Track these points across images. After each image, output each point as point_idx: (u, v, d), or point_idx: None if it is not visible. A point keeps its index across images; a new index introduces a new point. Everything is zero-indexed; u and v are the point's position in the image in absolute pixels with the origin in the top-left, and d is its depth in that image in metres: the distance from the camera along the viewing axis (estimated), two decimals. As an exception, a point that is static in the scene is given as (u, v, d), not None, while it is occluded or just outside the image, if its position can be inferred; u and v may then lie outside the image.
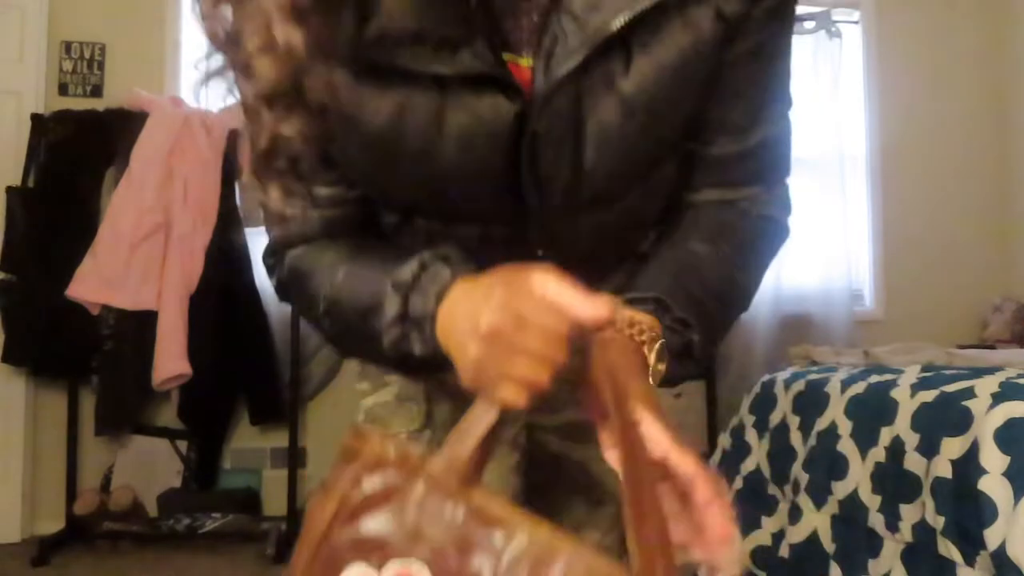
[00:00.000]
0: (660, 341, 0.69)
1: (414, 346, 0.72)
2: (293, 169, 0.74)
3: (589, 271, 0.92)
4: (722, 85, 0.77)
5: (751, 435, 2.28)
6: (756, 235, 0.85)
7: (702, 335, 0.75)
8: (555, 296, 0.60)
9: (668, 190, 0.86)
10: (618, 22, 0.68)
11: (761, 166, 0.84)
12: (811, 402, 2.06)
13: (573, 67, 0.70)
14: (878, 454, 1.75)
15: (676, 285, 0.77)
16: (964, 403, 1.56)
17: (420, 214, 0.81)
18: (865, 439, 1.80)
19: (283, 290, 0.87)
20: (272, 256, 0.86)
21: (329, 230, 0.81)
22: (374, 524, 0.56)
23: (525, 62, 0.73)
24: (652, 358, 0.68)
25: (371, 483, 0.58)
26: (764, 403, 2.28)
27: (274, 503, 3.32)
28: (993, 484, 1.42)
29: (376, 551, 0.54)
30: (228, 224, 3.11)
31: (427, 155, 0.73)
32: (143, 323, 2.99)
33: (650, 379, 0.68)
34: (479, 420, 0.60)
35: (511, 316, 0.59)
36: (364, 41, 0.67)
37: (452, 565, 0.52)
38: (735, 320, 0.85)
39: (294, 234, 0.82)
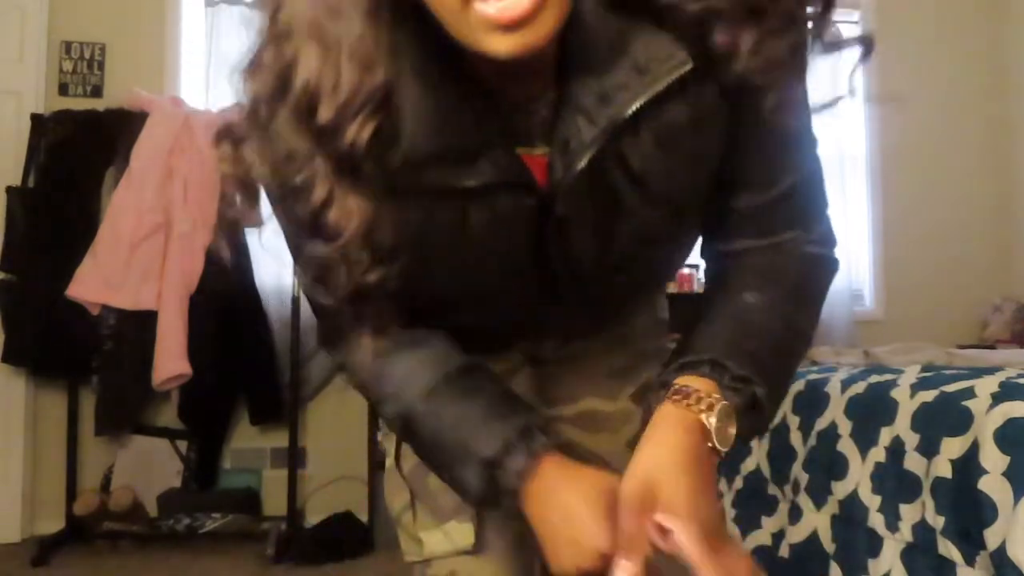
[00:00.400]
0: (721, 404, 0.74)
1: (494, 505, 0.82)
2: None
3: (612, 312, 0.96)
4: (739, 146, 0.78)
5: (751, 435, 2.28)
6: (805, 275, 0.85)
7: (766, 386, 0.77)
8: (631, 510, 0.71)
9: (694, 241, 0.87)
10: (630, 110, 0.70)
11: (794, 211, 0.83)
12: (811, 402, 2.06)
13: (590, 158, 0.72)
14: (878, 454, 1.75)
15: (731, 343, 0.78)
16: (964, 403, 1.56)
17: (453, 301, 0.84)
18: (865, 439, 1.80)
19: (345, 374, 0.92)
20: (326, 344, 0.89)
21: (379, 324, 0.82)
22: None
23: (539, 151, 0.76)
24: (712, 422, 0.73)
25: None
26: (764, 403, 2.27)
27: (274, 503, 3.32)
28: (993, 484, 1.42)
29: None
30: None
31: (454, 251, 0.76)
32: (143, 323, 2.99)
33: (719, 447, 0.74)
34: None
35: (599, 562, 0.73)
36: (389, 167, 0.69)
37: None
38: (798, 362, 0.85)
39: (344, 326, 0.85)
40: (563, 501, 0.76)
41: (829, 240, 0.86)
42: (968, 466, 1.48)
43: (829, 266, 0.87)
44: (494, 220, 0.74)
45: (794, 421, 2.11)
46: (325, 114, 0.64)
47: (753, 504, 2.20)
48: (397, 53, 0.66)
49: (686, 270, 3.49)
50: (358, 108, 0.64)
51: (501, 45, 0.62)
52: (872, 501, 1.74)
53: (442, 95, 0.69)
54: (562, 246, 0.79)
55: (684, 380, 0.76)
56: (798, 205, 0.83)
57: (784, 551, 2.03)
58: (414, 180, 0.70)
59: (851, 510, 1.80)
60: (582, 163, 0.72)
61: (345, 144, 0.65)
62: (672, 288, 2.84)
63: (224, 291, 3.09)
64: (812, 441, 1.99)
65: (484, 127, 0.72)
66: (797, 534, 1.98)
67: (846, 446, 1.86)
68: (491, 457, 0.78)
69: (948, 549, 1.51)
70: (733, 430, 0.75)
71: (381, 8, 0.64)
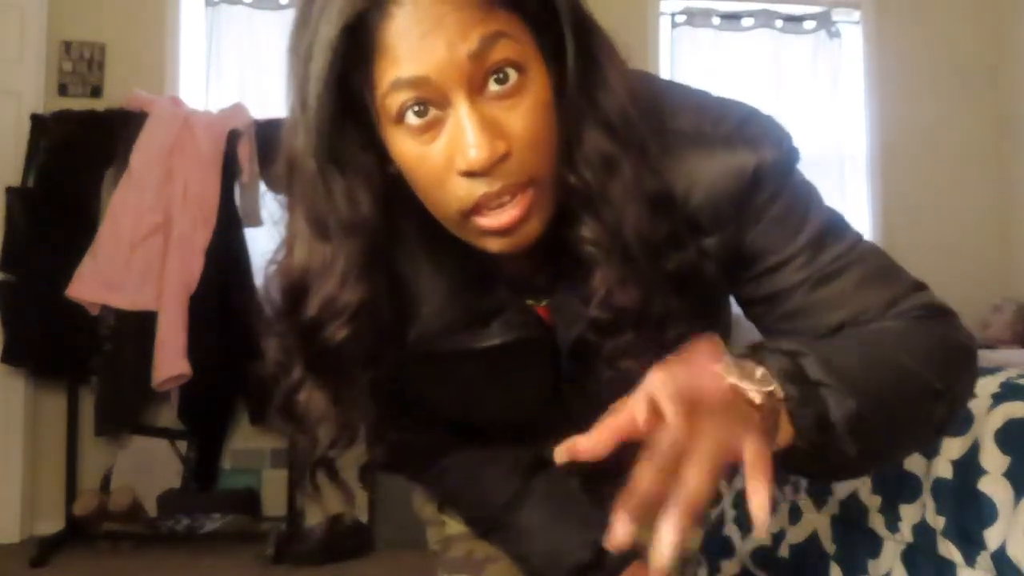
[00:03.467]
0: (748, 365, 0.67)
1: None
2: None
3: None
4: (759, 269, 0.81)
5: (751, 435, 2.28)
6: (902, 327, 0.79)
7: (837, 392, 0.68)
8: None
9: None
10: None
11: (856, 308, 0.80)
12: (811, 402, 2.06)
13: (583, 328, 0.79)
14: (878, 454, 1.75)
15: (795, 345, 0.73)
16: (964, 403, 1.56)
17: (489, 427, 0.96)
18: (865, 439, 1.80)
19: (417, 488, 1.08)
20: (392, 471, 1.06)
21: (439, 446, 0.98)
22: None
23: (544, 302, 0.85)
24: (741, 377, 0.65)
25: None
26: (764, 403, 2.27)
27: (274, 503, 3.32)
28: (993, 484, 1.42)
29: None
30: (228, 224, 3.11)
31: (487, 391, 0.88)
32: (143, 323, 2.99)
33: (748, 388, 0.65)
34: None
35: None
36: (409, 343, 0.82)
37: None
38: (905, 406, 0.74)
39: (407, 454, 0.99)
40: None
41: (933, 308, 0.83)
42: (968, 466, 1.48)
43: (943, 315, 0.83)
44: (517, 366, 0.85)
45: (794, 421, 2.11)
46: (310, 310, 0.74)
47: (753, 504, 2.20)
48: (407, 239, 0.78)
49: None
50: (336, 314, 0.74)
51: (494, 245, 0.73)
52: (872, 501, 1.74)
53: (452, 275, 0.81)
54: (575, 387, 0.86)
55: None
56: (860, 296, 0.81)
57: (784, 551, 2.03)
58: (430, 349, 0.82)
59: (851, 510, 1.80)
60: (576, 331, 0.80)
61: (321, 342, 0.74)
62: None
63: (224, 291, 3.09)
64: (812, 441, 1.99)
65: (490, 297, 0.83)
66: (797, 534, 1.98)
67: (846, 446, 1.86)
68: (585, 563, 0.90)
69: (948, 549, 1.51)
70: (772, 387, 0.65)
71: (368, 226, 0.72)
